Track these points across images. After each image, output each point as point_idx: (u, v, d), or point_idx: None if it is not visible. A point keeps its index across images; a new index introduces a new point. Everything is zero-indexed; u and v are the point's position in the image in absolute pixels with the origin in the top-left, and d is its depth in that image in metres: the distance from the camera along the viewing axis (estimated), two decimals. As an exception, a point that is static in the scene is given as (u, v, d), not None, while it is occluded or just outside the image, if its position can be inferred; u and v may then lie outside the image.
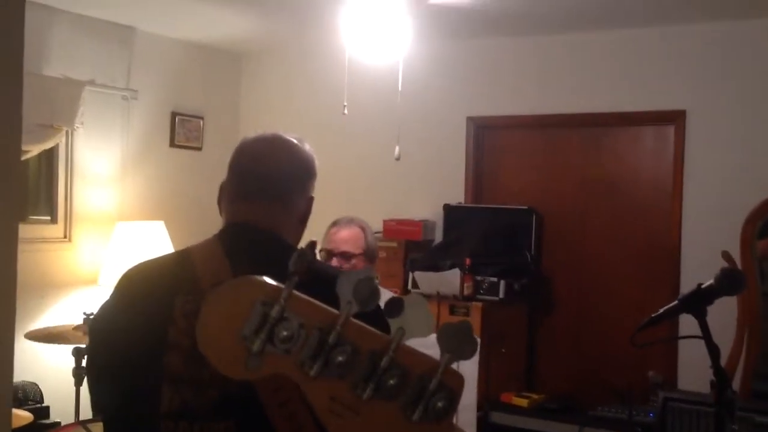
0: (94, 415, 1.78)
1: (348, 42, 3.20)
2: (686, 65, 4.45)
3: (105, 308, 1.76)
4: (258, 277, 1.01)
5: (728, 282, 1.89)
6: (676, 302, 1.92)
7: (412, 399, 0.89)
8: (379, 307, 1.71)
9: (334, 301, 1.61)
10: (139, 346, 1.60)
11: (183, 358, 1.55)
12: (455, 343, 0.92)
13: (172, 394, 1.54)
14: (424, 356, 0.92)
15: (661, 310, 2.00)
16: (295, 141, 1.79)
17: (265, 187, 1.72)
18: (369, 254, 3.34)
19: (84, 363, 4.09)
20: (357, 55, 3.34)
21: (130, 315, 1.66)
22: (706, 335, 1.83)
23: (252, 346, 0.92)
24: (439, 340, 0.92)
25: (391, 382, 0.90)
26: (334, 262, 3.23)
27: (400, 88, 3.40)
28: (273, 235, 1.71)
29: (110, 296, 1.76)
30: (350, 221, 3.33)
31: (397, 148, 3.40)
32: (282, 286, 0.97)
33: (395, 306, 1.11)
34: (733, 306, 4.03)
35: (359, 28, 3.17)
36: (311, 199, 1.80)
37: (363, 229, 3.33)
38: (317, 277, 1.67)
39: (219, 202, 1.79)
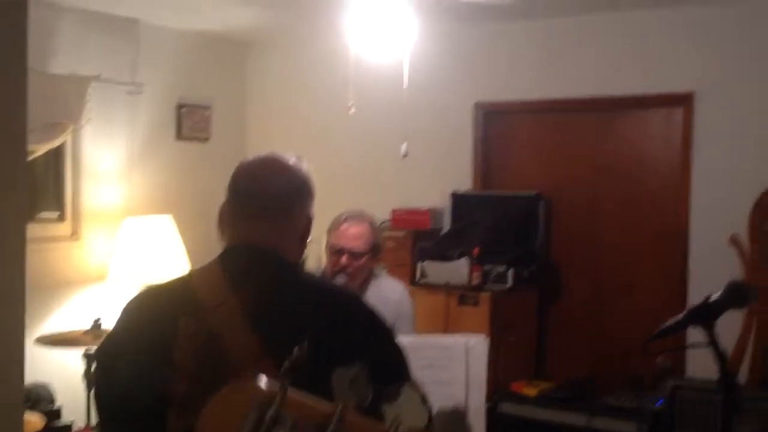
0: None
1: (353, 40, 3.18)
2: (694, 47, 4.40)
3: (111, 332, 1.78)
4: (253, 382, 1.03)
5: (735, 296, 1.90)
6: (683, 315, 1.93)
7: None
8: (388, 328, 1.72)
9: (344, 329, 1.62)
10: (145, 369, 1.62)
11: (187, 382, 1.57)
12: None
13: (178, 419, 1.55)
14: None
15: (669, 323, 2.01)
16: (293, 161, 1.81)
17: (266, 207, 1.74)
18: (376, 250, 3.36)
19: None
20: (362, 52, 3.32)
21: (135, 337, 1.69)
22: (714, 346, 1.83)
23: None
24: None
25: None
26: (344, 260, 3.24)
27: (405, 85, 3.37)
28: (274, 255, 1.73)
29: (116, 324, 1.78)
30: (359, 217, 3.32)
31: (404, 146, 3.38)
32: (276, 387, 0.98)
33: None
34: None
35: (364, 27, 3.15)
36: (311, 218, 1.82)
37: (371, 224, 3.34)
38: (328, 300, 1.69)
39: (219, 224, 1.81)
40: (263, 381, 1.00)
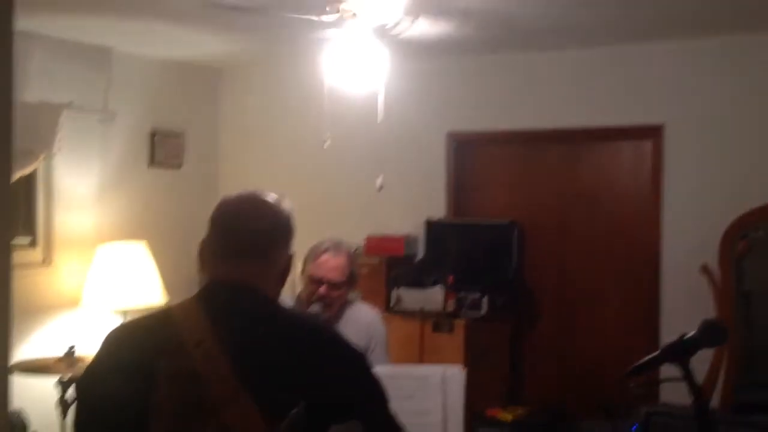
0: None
1: (327, 74, 3.21)
2: (663, 81, 4.49)
3: (90, 370, 1.77)
4: None
5: (711, 335, 1.93)
6: (659, 352, 1.96)
7: None
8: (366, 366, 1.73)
9: (325, 367, 1.63)
10: (126, 408, 1.62)
11: (168, 422, 1.57)
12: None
13: None
14: None
15: (645, 359, 2.03)
16: (274, 200, 1.82)
17: (248, 246, 1.75)
18: (352, 280, 3.39)
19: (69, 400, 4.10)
20: (337, 85, 3.35)
21: (115, 379, 1.68)
22: (689, 381, 1.87)
23: None
24: None
25: None
26: (323, 290, 3.25)
27: (380, 120, 3.41)
28: (254, 292, 1.73)
29: (95, 357, 1.77)
30: (337, 248, 3.34)
31: (379, 179, 3.41)
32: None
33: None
34: (712, 314, 4.08)
35: (338, 61, 3.18)
36: (291, 256, 1.83)
37: (348, 256, 3.37)
38: (308, 337, 1.70)
39: (200, 258, 1.81)
40: None
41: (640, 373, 2.05)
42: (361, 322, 3.33)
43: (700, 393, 1.89)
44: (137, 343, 1.71)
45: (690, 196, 4.43)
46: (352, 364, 1.73)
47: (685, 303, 4.37)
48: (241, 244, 1.75)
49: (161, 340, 1.65)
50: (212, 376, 1.58)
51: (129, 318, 4.85)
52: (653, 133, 4.50)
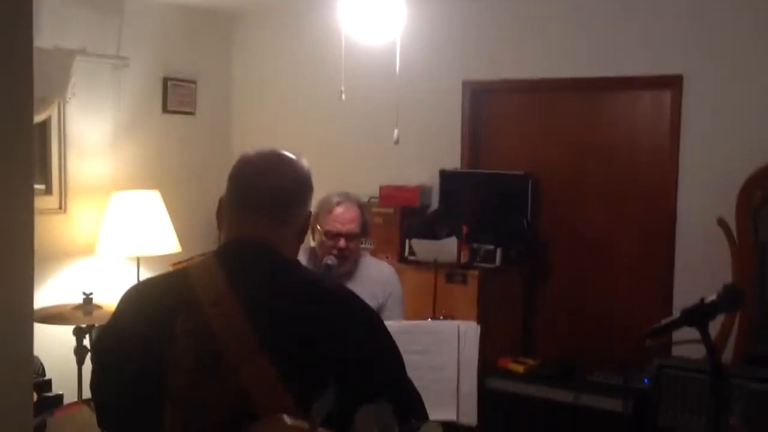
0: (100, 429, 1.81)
1: (344, 23, 3.16)
2: (684, 30, 4.40)
3: (108, 326, 1.78)
4: (280, 421, 1.04)
5: (730, 299, 1.92)
6: (678, 316, 1.95)
7: None
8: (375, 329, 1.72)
9: (342, 329, 1.63)
10: (142, 365, 1.63)
11: (184, 378, 1.58)
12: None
13: (174, 415, 1.57)
14: None
15: (663, 322, 2.03)
16: (293, 158, 1.80)
17: (268, 202, 1.74)
18: (366, 230, 3.41)
19: (87, 344, 4.14)
20: (353, 34, 3.29)
21: (132, 333, 1.69)
22: (707, 345, 1.87)
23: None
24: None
25: None
26: (342, 243, 3.25)
27: (398, 71, 3.36)
28: (272, 251, 1.73)
29: (112, 316, 1.78)
30: (348, 200, 3.35)
31: (395, 132, 3.38)
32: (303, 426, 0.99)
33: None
34: (727, 270, 4.07)
35: (355, 9, 3.13)
36: (310, 213, 1.82)
37: (360, 207, 3.38)
38: (325, 298, 1.69)
39: (218, 215, 1.80)
40: (288, 420, 1.01)
41: (659, 336, 2.04)
42: (377, 277, 3.34)
43: (715, 354, 1.89)
44: (155, 301, 1.71)
45: (708, 147, 4.37)
46: (369, 326, 1.73)
47: (700, 256, 4.35)
48: (259, 201, 1.74)
49: (179, 297, 1.65)
50: (229, 336, 1.58)
51: (143, 268, 4.89)
52: (672, 83, 4.42)
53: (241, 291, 1.63)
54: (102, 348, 1.80)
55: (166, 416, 1.57)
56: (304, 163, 1.82)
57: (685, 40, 4.39)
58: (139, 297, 1.77)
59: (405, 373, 1.72)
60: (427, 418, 1.71)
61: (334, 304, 1.70)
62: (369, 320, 1.74)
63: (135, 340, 1.67)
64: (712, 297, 1.92)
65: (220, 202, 1.81)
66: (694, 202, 4.39)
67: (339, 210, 3.27)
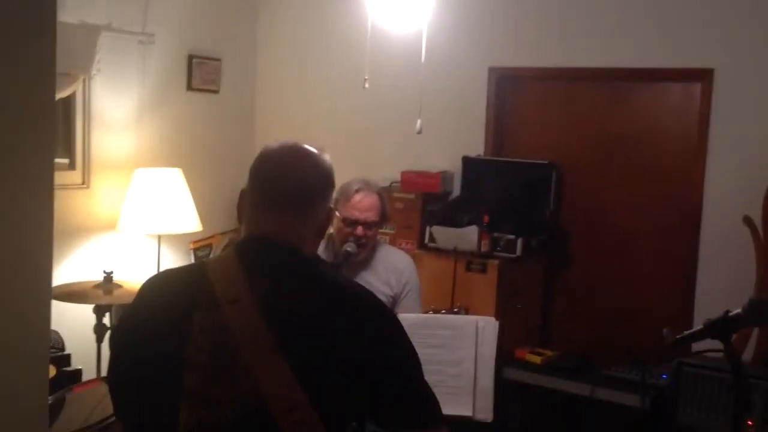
0: (117, 419, 1.82)
1: (371, 8, 3.12)
2: (716, 22, 4.32)
3: (126, 317, 1.78)
4: None
5: (756, 313, 1.89)
6: (701, 327, 1.92)
7: None
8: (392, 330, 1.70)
9: (360, 330, 1.62)
10: (158, 361, 1.63)
11: (200, 375, 1.58)
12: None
13: (189, 412, 1.57)
14: None
15: (686, 334, 2.00)
16: (315, 152, 1.78)
17: (289, 198, 1.72)
18: (385, 218, 3.41)
19: (107, 322, 4.17)
20: (379, 21, 3.25)
21: (149, 327, 1.69)
22: (730, 356, 1.84)
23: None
24: None
25: None
26: (359, 230, 3.24)
27: (423, 60, 3.32)
28: (292, 249, 1.71)
29: (130, 306, 1.78)
30: (368, 187, 3.34)
31: (419, 122, 3.35)
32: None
33: None
34: (752, 268, 4.03)
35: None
36: (331, 209, 1.80)
37: (379, 195, 3.38)
38: (344, 298, 1.68)
39: (239, 207, 1.79)
40: None
41: (681, 346, 2.02)
42: (393, 266, 3.33)
43: (739, 366, 1.86)
44: (173, 295, 1.71)
45: (737, 143, 4.30)
46: (386, 328, 1.70)
47: (724, 252, 4.30)
48: (281, 195, 1.72)
49: (197, 293, 1.65)
50: (246, 334, 1.57)
51: (164, 246, 4.90)
52: (703, 76, 4.35)
53: (259, 289, 1.62)
54: (119, 340, 1.80)
55: (181, 413, 1.57)
56: (326, 158, 1.80)
57: (717, 33, 4.32)
58: (156, 291, 1.76)
59: (421, 375, 1.70)
60: (442, 420, 1.69)
61: (353, 306, 1.68)
62: (387, 322, 1.72)
63: (152, 334, 1.67)
64: (737, 310, 1.89)
65: (242, 194, 1.79)
66: (721, 198, 4.33)
67: (357, 197, 3.26)
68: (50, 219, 1.38)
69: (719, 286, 4.26)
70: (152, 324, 1.68)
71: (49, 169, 1.40)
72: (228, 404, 1.55)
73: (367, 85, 3.24)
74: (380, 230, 3.47)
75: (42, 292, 1.39)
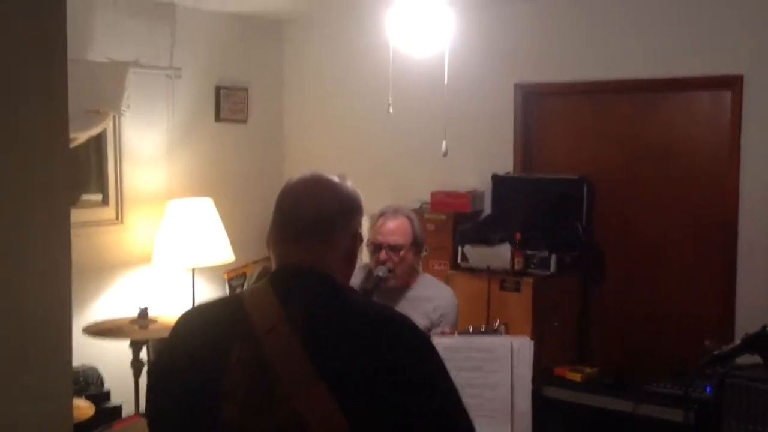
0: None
1: (392, 34, 3.13)
2: (743, 28, 4.26)
3: (163, 351, 1.78)
4: None
5: (795, 326, 1.85)
6: (740, 343, 1.88)
7: None
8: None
9: (396, 358, 1.61)
10: (197, 393, 1.64)
11: (239, 406, 1.58)
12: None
13: None
14: None
15: (724, 350, 1.96)
16: (336, 180, 1.79)
17: (311, 228, 1.74)
18: (417, 244, 3.36)
19: (144, 357, 4.19)
20: (401, 46, 3.26)
21: (187, 360, 1.69)
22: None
23: None
24: None
25: None
26: (383, 255, 3.24)
27: (446, 82, 3.32)
28: (322, 276, 1.72)
29: (167, 339, 1.79)
30: (396, 212, 3.33)
31: (444, 144, 3.35)
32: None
33: None
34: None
35: (403, 21, 3.10)
36: (357, 235, 1.81)
37: (409, 219, 3.34)
38: (379, 326, 1.67)
39: (268, 245, 1.81)
40: None
41: (719, 363, 1.98)
42: (433, 298, 3.31)
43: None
44: (209, 328, 1.72)
45: (770, 151, 4.23)
46: (423, 356, 1.69)
47: (763, 261, 4.22)
48: (302, 227, 1.73)
49: (233, 325, 1.65)
50: (284, 363, 1.58)
51: (198, 278, 4.93)
52: (732, 83, 4.29)
53: (294, 318, 1.62)
54: (157, 374, 1.81)
55: None
56: (348, 184, 1.82)
57: (745, 39, 4.26)
58: (193, 324, 1.77)
59: (458, 400, 1.69)
60: None
61: (389, 333, 1.68)
62: (424, 349, 1.71)
63: (190, 367, 1.67)
64: (776, 325, 1.85)
65: (269, 231, 1.80)
66: (757, 204, 4.26)
67: (380, 221, 3.27)
68: (68, 257, 1.40)
69: (760, 293, 4.18)
70: (190, 357, 1.69)
71: (65, 208, 1.41)
72: None
73: (391, 110, 3.25)
74: (418, 255, 3.42)
75: (62, 330, 1.40)
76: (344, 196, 1.79)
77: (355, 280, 3.18)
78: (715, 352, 2.03)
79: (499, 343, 2.79)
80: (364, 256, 3.40)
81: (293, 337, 1.59)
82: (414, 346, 1.69)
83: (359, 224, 1.84)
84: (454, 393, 1.68)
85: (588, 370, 4.34)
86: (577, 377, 4.28)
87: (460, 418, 1.67)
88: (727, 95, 4.36)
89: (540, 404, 4.14)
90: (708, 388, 3.92)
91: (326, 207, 1.76)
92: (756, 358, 3.56)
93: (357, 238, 1.82)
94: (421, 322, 3.15)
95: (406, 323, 1.74)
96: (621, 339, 4.75)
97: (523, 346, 2.76)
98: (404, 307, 3.21)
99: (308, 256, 1.72)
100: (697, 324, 4.44)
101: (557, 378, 4.31)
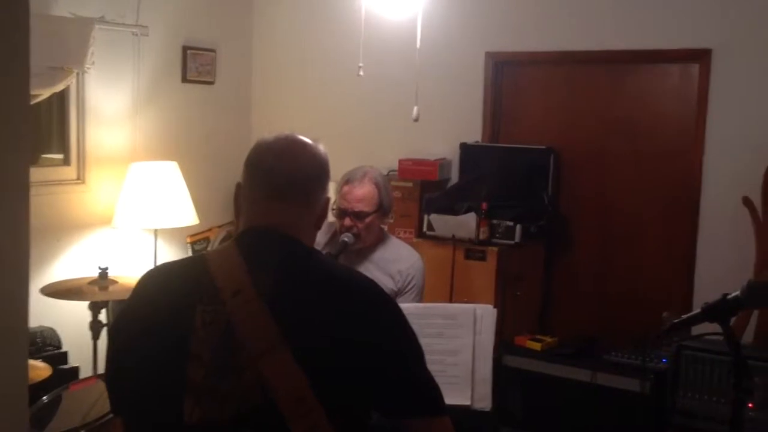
0: (113, 414, 1.80)
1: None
2: (713, 2, 4.28)
3: (125, 311, 1.76)
4: None
5: (755, 296, 1.86)
6: (699, 311, 1.90)
7: None
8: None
9: (362, 319, 1.61)
10: (161, 354, 1.62)
11: (205, 369, 1.57)
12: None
13: (194, 406, 1.55)
14: None
15: (683, 318, 1.98)
16: (311, 142, 1.77)
17: (285, 189, 1.71)
18: (384, 210, 3.33)
19: (103, 318, 4.15)
20: (374, 7, 3.22)
21: (151, 320, 1.67)
22: (729, 339, 1.81)
23: None
24: None
25: None
26: (347, 221, 3.21)
27: (418, 45, 3.29)
28: (291, 239, 1.71)
29: (129, 298, 1.76)
30: (363, 177, 3.28)
31: (415, 109, 3.32)
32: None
33: None
34: (751, 248, 4.01)
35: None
36: (328, 200, 1.79)
37: (377, 185, 3.29)
38: (345, 287, 1.66)
39: (236, 202, 1.78)
40: None
41: (678, 331, 2.00)
42: (399, 261, 3.28)
43: (739, 350, 1.84)
44: (173, 288, 1.70)
45: (736, 124, 4.26)
46: (389, 318, 1.70)
47: (723, 236, 4.27)
48: (277, 187, 1.71)
49: (198, 286, 1.63)
50: (250, 327, 1.57)
51: (160, 241, 4.88)
52: (701, 57, 4.31)
53: (260, 281, 1.61)
54: (118, 335, 1.78)
55: (185, 406, 1.55)
56: (322, 148, 1.80)
57: (715, 13, 4.28)
58: (157, 283, 1.75)
59: (424, 363, 1.69)
60: (445, 409, 1.68)
61: (355, 296, 1.68)
62: (388, 310, 1.71)
63: (154, 327, 1.65)
64: (735, 293, 1.86)
65: (238, 187, 1.78)
66: (720, 179, 4.30)
67: (347, 188, 3.22)
68: (26, 223, 1.35)
69: (719, 267, 4.24)
70: (154, 317, 1.67)
71: (25, 172, 1.37)
72: (234, 397, 1.54)
73: (361, 73, 3.21)
74: (385, 218, 3.38)
75: (19, 291, 1.37)
76: (321, 158, 1.78)
77: (321, 237, 3.16)
78: (674, 321, 2.04)
79: (462, 309, 2.79)
80: (330, 216, 3.37)
81: (259, 302, 1.58)
82: (382, 313, 1.69)
83: (329, 190, 1.82)
84: (419, 352, 1.69)
85: (548, 339, 4.38)
86: (537, 346, 4.32)
87: (425, 374, 1.67)
88: (695, 69, 4.39)
89: (500, 373, 4.18)
90: (664, 359, 3.99)
91: (304, 168, 1.73)
92: (712, 329, 3.62)
93: (328, 202, 1.81)
94: (386, 283, 3.14)
95: (374, 289, 1.73)
96: (584, 310, 4.79)
97: (486, 313, 2.77)
98: (370, 268, 3.20)
99: (281, 216, 1.70)
100: (660, 295, 4.50)
101: (517, 347, 4.35)
